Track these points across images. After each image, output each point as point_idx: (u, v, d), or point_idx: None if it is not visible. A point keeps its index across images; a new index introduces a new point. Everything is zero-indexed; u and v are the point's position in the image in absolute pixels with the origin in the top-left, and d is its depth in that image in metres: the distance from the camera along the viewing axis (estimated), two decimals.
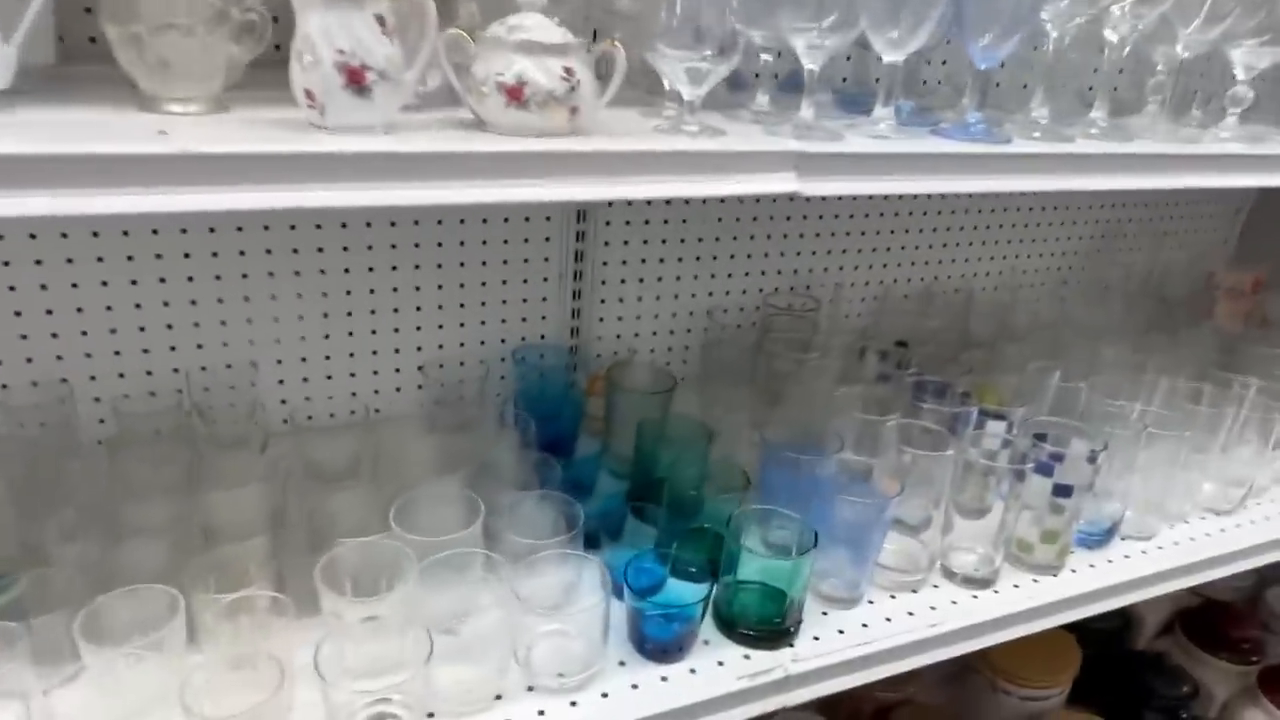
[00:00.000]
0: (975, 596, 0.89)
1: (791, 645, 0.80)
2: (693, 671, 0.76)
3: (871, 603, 0.86)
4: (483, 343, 1.12)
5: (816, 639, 0.81)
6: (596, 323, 1.19)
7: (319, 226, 0.98)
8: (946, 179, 0.75)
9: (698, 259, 1.20)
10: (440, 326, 1.09)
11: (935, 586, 0.90)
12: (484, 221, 1.06)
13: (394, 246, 1.02)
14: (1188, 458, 1.02)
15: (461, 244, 1.05)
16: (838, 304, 1.26)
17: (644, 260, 1.17)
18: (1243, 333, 1.34)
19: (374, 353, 1.07)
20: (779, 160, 0.67)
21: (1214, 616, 1.49)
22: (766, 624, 0.80)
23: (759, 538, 0.83)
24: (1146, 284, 1.40)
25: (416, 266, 1.04)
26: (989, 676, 1.33)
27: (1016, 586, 0.91)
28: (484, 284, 1.09)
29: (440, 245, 1.04)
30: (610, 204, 1.12)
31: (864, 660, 0.80)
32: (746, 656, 0.78)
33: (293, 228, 0.97)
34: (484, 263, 1.08)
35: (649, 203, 1.14)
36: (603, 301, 1.17)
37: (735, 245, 1.22)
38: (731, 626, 0.80)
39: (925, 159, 0.73)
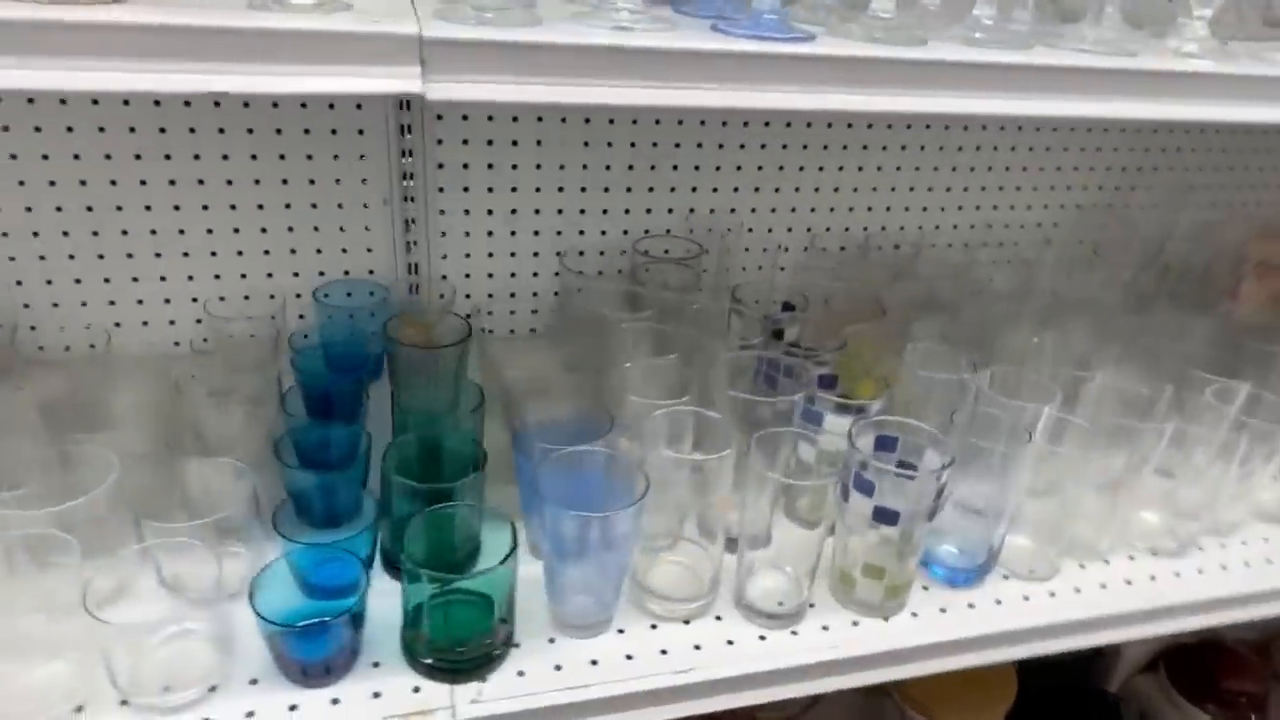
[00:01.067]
0: (763, 638, 0.70)
1: (483, 680, 0.64)
2: (334, 702, 0.61)
3: (621, 632, 0.69)
4: (296, 274, 0.98)
5: (521, 675, 0.64)
6: (439, 261, 1.02)
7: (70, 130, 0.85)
8: (685, 88, 0.54)
9: (561, 190, 1.01)
10: (240, 254, 0.95)
11: (719, 619, 0.71)
12: (278, 133, 0.90)
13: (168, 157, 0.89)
14: (1121, 479, 0.78)
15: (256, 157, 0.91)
16: (729, 253, 1.04)
17: (491, 189, 0.99)
18: (1271, 323, 1.05)
19: (162, 279, 0.94)
20: (392, 48, 0.48)
21: (1209, 659, 1.22)
22: (460, 647, 0.64)
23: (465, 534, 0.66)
24: (1155, 251, 1.12)
25: (200, 181, 0.91)
26: (899, 704, 1.13)
27: (825, 629, 0.71)
28: (288, 206, 0.94)
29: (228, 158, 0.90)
30: (440, 118, 0.94)
31: (566, 710, 0.63)
32: (416, 689, 0.62)
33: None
34: (284, 181, 0.93)
35: (490, 118, 0.95)
36: (443, 234, 1.01)
37: (609, 176, 1.02)
38: (413, 648, 0.64)
39: (645, 56, 0.53)
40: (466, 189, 0.99)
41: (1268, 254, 1.06)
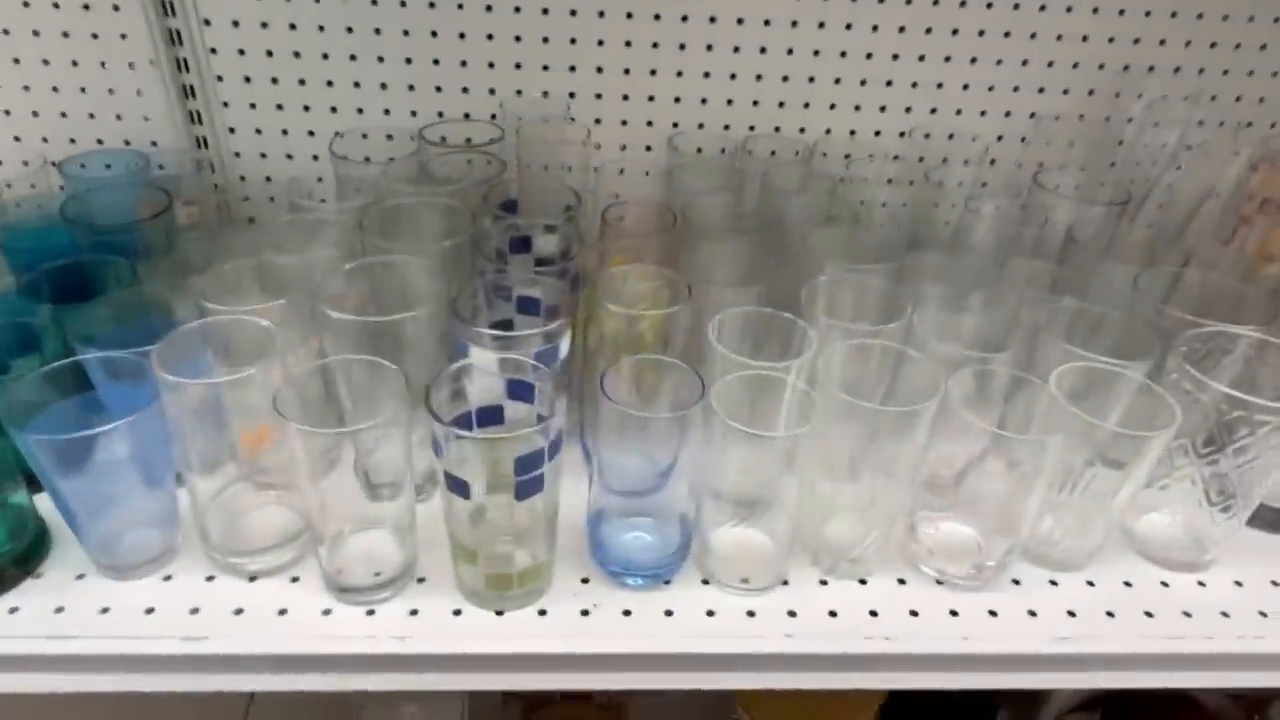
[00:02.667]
0: (328, 612, 0.56)
1: None
2: None
3: (169, 579, 0.58)
4: (73, 141, 0.90)
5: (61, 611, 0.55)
6: (229, 136, 0.91)
7: None
8: None
9: (353, 58, 0.87)
10: (7, 113, 0.88)
11: (295, 580, 0.58)
12: None
13: None
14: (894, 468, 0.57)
15: None
16: (546, 145, 0.86)
17: (270, 53, 0.86)
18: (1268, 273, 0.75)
19: None
20: None
21: (1159, 707, 0.96)
22: None
23: None
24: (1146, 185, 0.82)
25: None
26: (739, 715, 0.97)
27: (364, 615, 0.56)
28: (46, 63, 0.85)
29: None
30: None
31: None
32: None
33: None
34: (35, 33, 0.84)
35: None
36: (226, 105, 0.89)
37: (411, 44, 0.86)
38: None
39: None
40: (242, 51, 0.86)
41: (1274, 187, 0.75)
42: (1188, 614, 0.61)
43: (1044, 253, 0.77)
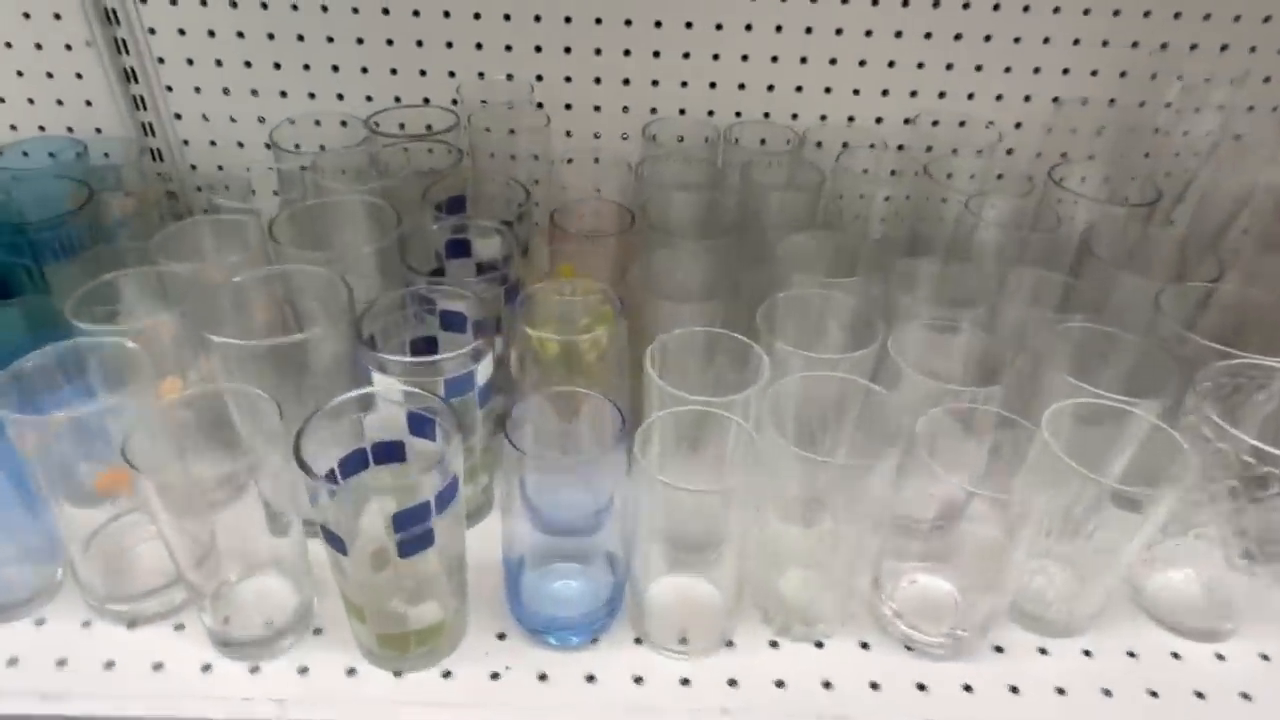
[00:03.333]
0: (208, 668, 0.50)
1: None
2: None
3: (41, 623, 0.52)
4: (14, 128, 0.85)
5: None
6: (176, 123, 0.85)
7: None
8: None
9: (301, 38, 0.80)
10: None
11: (179, 628, 0.52)
12: None
13: None
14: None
15: None
16: (513, 134, 0.78)
17: (212, 33, 0.80)
18: None
19: None
20: None
21: None
22: None
23: None
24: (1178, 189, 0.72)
25: None
26: None
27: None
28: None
29: None
30: None
31: None
32: None
33: None
34: None
35: None
36: (170, 89, 0.83)
37: (363, 22, 0.79)
38: None
39: None
40: (182, 31, 0.80)
41: None
42: (1200, 695, 0.52)
43: (1056, 261, 0.68)
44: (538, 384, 0.53)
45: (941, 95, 0.82)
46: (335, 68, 0.81)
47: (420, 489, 0.43)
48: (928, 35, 0.79)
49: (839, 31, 0.78)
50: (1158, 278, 0.63)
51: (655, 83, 0.81)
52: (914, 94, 0.82)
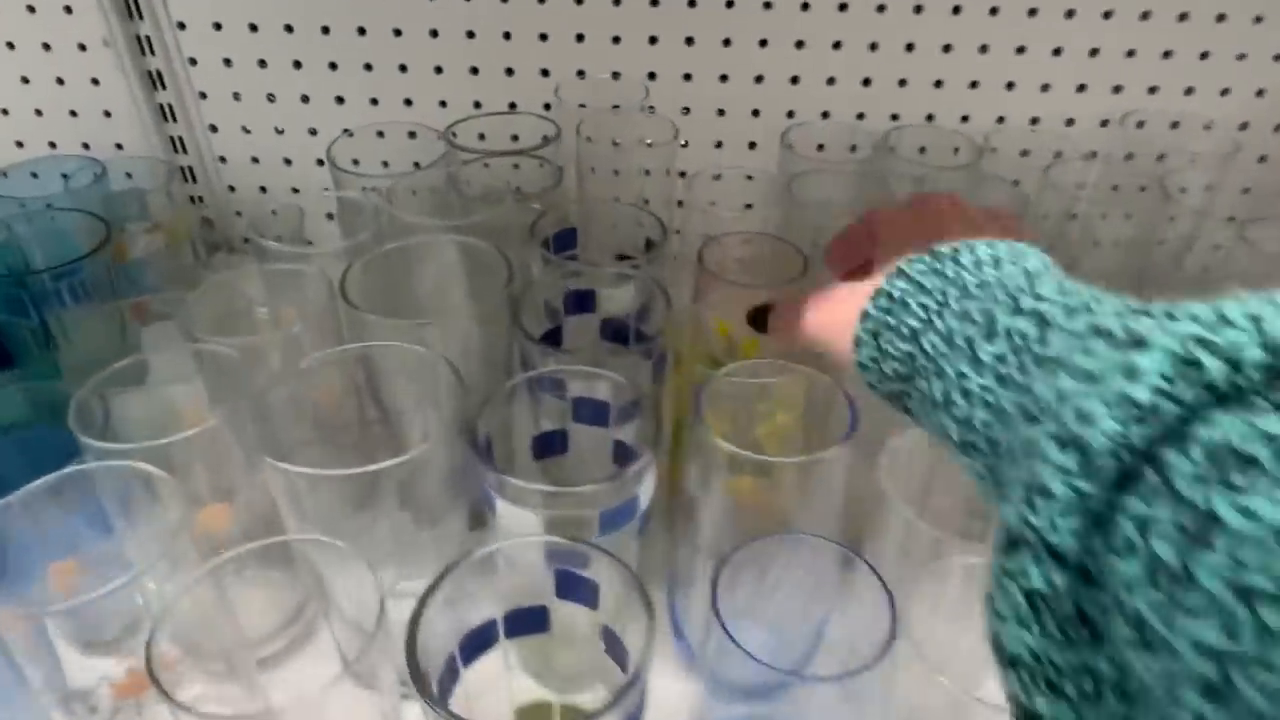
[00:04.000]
0: None
1: None
2: None
3: None
4: (20, 145, 0.71)
5: None
6: (210, 135, 0.71)
7: None
8: None
9: (362, 32, 0.65)
10: None
11: None
12: None
13: None
14: None
15: None
16: (617, 147, 0.63)
17: (254, 26, 0.65)
18: None
19: None
20: None
21: None
22: None
23: None
24: None
25: None
26: None
27: None
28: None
29: None
30: None
31: None
32: None
33: None
34: None
35: None
36: (203, 96, 0.69)
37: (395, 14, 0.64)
38: None
39: None
40: (218, 27, 0.65)
41: None
42: None
43: None
44: (731, 517, 0.38)
45: (1152, 91, 0.66)
46: (403, 67, 0.66)
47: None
48: (1144, 15, 0.62)
49: (1032, 11, 0.62)
50: None
51: (794, 79, 0.66)
52: (1117, 89, 0.66)
